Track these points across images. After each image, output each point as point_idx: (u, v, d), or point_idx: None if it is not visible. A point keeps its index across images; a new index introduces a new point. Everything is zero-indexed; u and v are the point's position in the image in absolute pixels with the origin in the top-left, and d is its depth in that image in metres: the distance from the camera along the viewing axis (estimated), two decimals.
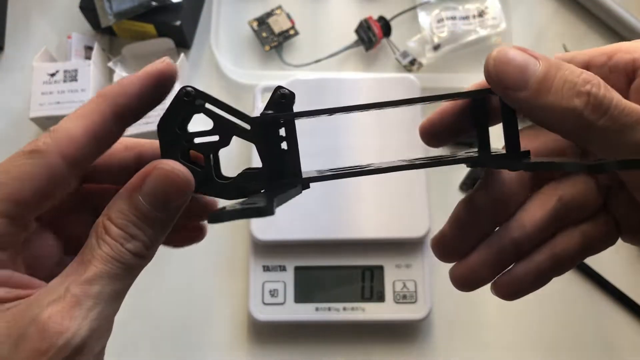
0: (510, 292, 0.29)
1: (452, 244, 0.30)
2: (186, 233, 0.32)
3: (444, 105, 0.30)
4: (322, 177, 0.27)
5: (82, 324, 0.23)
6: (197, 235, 0.32)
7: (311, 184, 0.28)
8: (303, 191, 0.28)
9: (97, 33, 0.64)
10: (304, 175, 0.28)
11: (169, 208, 0.25)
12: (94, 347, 0.23)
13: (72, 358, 0.23)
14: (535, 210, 0.29)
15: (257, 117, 0.27)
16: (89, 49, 0.61)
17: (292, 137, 0.27)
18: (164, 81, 0.26)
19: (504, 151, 0.28)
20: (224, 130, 0.27)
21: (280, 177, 0.27)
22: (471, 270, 0.29)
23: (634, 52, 0.27)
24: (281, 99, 0.27)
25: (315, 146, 0.54)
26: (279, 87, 0.27)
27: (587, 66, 0.28)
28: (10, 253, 0.25)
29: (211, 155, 0.27)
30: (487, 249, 0.29)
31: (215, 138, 0.27)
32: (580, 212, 0.29)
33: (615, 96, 0.24)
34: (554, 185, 0.29)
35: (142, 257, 0.25)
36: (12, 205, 0.24)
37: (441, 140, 0.30)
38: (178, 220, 0.27)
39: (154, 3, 0.60)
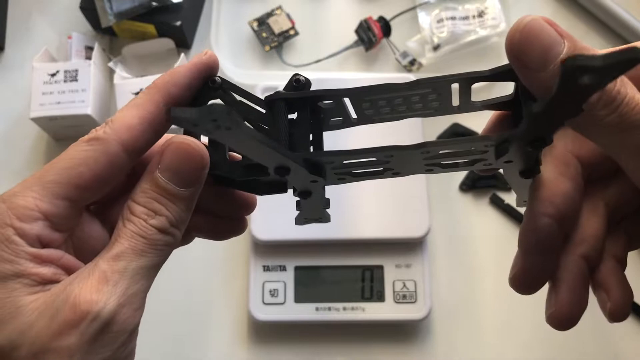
0: (624, 313, 0.28)
1: (532, 276, 0.29)
2: (228, 225, 0.32)
3: (487, 124, 0.29)
4: (332, 158, 0.26)
5: (110, 298, 0.24)
6: (238, 227, 0.32)
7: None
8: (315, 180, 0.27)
9: (97, 33, 0.65)
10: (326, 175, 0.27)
11: (187, 181, 0.26)
12: (124, 323, 0.24)
13: (102, 331, 0.24)
14: (591, 220, 0.28)
15: (268, 96, 0.27)
16: (89, 49, 0.61)
17: (303, 120, 0.27)
18: (209, 71, 0.27)
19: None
20: (244, 114, 0.28)
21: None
22: (569, 306, 0.28)
23: None
24: (294, 84, 0.28)
25: None
26: (296, 74, 0.28)
27: None
28: (66, 235, 0.26)
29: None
30: (570, 275, 0.28)
31: None
32: (624, 213, 0.29)
33: (630, 92, 0.23)
34: (595, 190, 0.29)
35: (167, 234, 0.26)
36: (74, 189, 0.25)
37: None
38: (220, 212, 0.30)
39: (154, 3, 0.60)
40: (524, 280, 0.29)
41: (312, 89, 0.28)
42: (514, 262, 0.29)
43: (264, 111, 0.28)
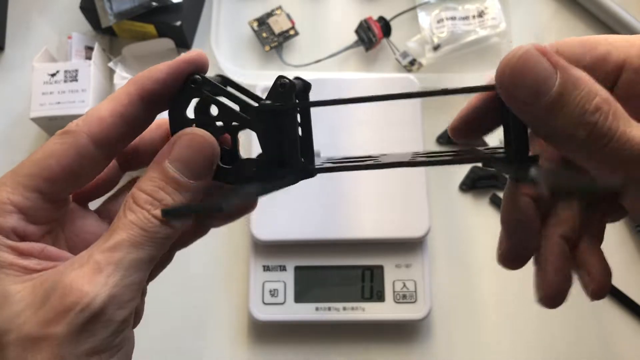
0: (605, 292, 0.29)
1: (517, 253, 0.30)
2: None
3: (472, 100, 0.29)
4: (324, 169, 0.27)
5: (101, 289, 0.24)
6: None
7: (315, 179, 0.28)
8: (306, 185, 0.28)
9: (97, 33, 0.65)
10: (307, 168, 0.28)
11: (197, 172, 0.26)
12: (114, 314, 0.24)
13: (91, 322, 0.24)
14: (568, 201, 0.29)
15: (256, 106, 0.27)
16: (89, 49, 0.61)
17: (292, 127, 0.27)
18: (192, 69, 0.27)
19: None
20: (228, 117, 0.27)
21: (279, 167, 0.27)
22: (556, 286, 0.29)
23: None
24: (280, 88, 0.27)
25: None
26: (280, 77, 0.27)
27: (621, 68, 0.26)
28: (45, 228, 0.26)
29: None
30: (552, 256, 0.29)
31: (219, 124, 0.28)
32: (599, 199, 0.30)
33: (622, 127, 0.23)
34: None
35: (169, 226, 0.26)
36: (43, 181, 0.25)
37: (471, 137, 0.31)
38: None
39: (154, 3, 0.60)
40: (510, 257, 0.30)
41: (310, 89, 0.28)
42: (499, 242, 0.31)
43: (248, 118, 0.27)
